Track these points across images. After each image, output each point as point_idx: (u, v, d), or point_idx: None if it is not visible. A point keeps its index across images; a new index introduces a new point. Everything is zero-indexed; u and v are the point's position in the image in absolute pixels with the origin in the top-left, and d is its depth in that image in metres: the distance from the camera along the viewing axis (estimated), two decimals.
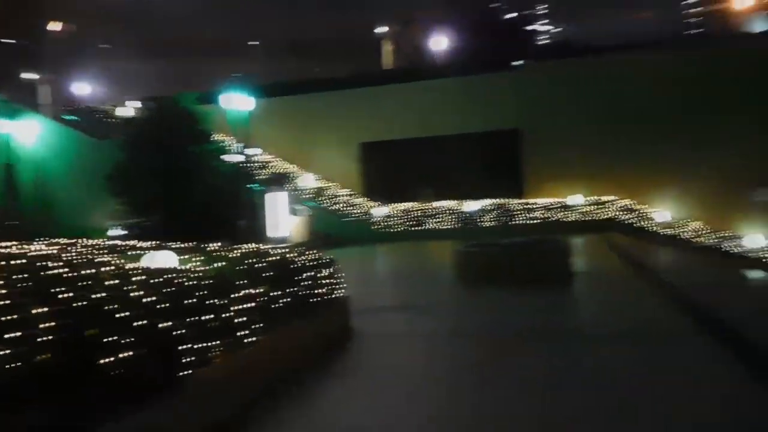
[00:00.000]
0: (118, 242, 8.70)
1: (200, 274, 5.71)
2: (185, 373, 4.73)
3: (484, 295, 11.68)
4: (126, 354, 4.16)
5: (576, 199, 24.73)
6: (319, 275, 7.73)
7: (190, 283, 5.37)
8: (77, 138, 29.62)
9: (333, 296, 8.07)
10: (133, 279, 5.12)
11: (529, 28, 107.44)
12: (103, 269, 5.27)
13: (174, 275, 5.44)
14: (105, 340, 4.11)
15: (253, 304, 5.89)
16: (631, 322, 9.20)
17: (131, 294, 4.79)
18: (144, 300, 4.80)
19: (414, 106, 27.58)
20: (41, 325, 3.84)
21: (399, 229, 25.64)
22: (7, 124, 29.17)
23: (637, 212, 24.21)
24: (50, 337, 3.80)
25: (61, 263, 5.21)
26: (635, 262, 16.00)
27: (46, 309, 3.99)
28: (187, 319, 4.95)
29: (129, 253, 7.27)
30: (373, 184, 27.77)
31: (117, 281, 4.99)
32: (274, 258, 7.13)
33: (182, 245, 7.64)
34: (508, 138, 26.30)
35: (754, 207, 23.11)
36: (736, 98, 23.60)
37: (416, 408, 5.86)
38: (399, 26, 57.95)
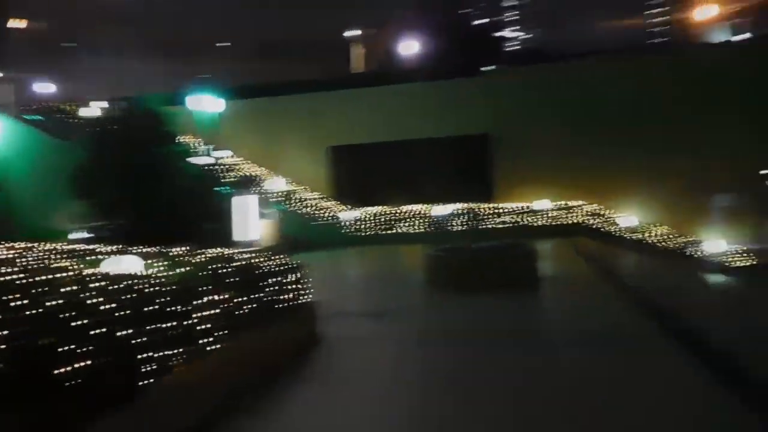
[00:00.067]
0: (79, 246, 8.47)
1: (163, 280, 5.56)
2: (146, 382, 4.60)
3: (454, 300, 11.67)
4: (83, 364, 4.02)
5: (544, 203, 24.98)
6: (286, 280, 7.63)
7: (152, 289, 5.22)
8: (40, 138, 28.88)
9: (300, 301, 7.96)
10: (92, 285, 4.95)
11: (499, 34, 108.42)
12: (60, 275, 5.10)
13: (135, 281, 5.29)
14: (60, 349, 3.96)
15: (218, 311, 5.76)
16: (598, 326, 9.28)
17: (89, 301, 4.64)
18: (103, 307, 4.65)
19: (384, 110, 27.58)
20: None
21: (369, 233, 25.56)
22: None
23: (603, 217, 24.55)
24: (1, 347, 3.64)
25: (16, 269, 5.03)
26: (602, 267, 16.20)
27: None
28: (149, 327, 4.82)
29: (90, 257, 7.07)
30: (343, 188, 27.68)
31: (75, 288, 4.82)
32: (240, 263, 7.00)
33: (145, 249, 7.46)
34: (478, 143, 26.47)
35: (716, 212, 23.64)
36: (700, 106, 24.13)
37: (383, 414, 5.80)
38: (369, 30, 57.98)
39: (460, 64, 30.81)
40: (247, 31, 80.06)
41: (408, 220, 25.61)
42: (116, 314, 4.63)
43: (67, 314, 4.24)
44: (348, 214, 25.98)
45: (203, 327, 5.45)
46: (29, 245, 7.40)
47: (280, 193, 26.00)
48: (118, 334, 4.49)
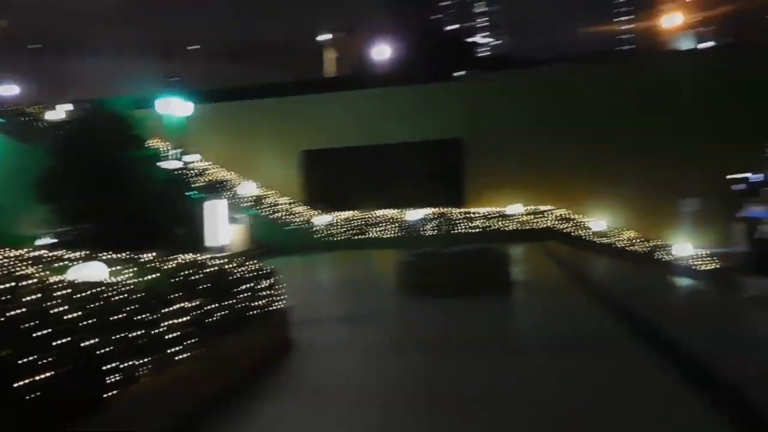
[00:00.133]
0: (44, 252, 8.23)
1: (130, 287, 5.41)
2: (111, 393, 4.46)
3: (426, 305, 11.65)
4: (45, 375, 3.87)
5: (515, 208, 25.18)
6: (258, 286, 7.51)
7: (119, 297, 5.07)
8: (3, 142, 28.17)
9: (273, 308, 7.85)
10: (56, 293, 4.79)
11: (470, 40, 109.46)
12: (23, 283, 4.92)
13: (101, 289, 5.13)
14: (21, 360, 3.81)
15: (187, 318, 5.63)
16: (570, 330, 9.33)
17: (53, 310, 4.48)
18: (67, 316, 4.50)
19: (356, 115, 27.55)
20: None
21: (341, 238, 25.48)
22: None
23: (573, 221, 24.83)
24: None
25: None
26: (573, 271, 16.36)
27: None
28: (115, 336, 4.68)
29: (55, 264, 6.87)
30: (315, 192, 27.54)
31: (38, 296, 4.66)
32: (210, 269, 6.86)
33: (113, 256, 7.27)
34: (450, 147, 26.57)
35: (683, 216, 24.07)
36: (666, 111, 24.59)
37: (355, 426, 5.72)
38: (341, 34, 57.94)
39: (432, 69, 30.95)
40: (218, 34, 79.46)
41: (381, 224, 25.59)
42: (81, 323, 4.48)
43: (29, 324, 4.09)
44: (320, 219, 25.85)
45: (172, 335, 5.32)
46: None
47: (251, 198, 25.76)
48: (83, 344, 4.34)
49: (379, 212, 25.82)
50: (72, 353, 4.20)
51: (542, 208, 25.18)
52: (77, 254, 7.54)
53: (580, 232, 24.52)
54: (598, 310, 10.81)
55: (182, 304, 5.70)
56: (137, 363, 4.86)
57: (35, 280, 5.14)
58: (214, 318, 6.21)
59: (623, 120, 25.03)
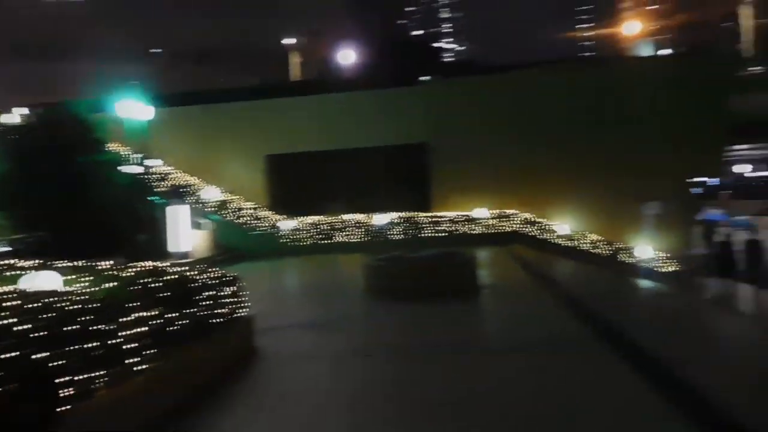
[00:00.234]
0: None
1: (86, 296, 5.20)
2: (64, 408, 4.26)
3: (393, 310, 11.58)
4: None
5: (481, 212, 25.30)
6: (220, 294, 7.32)
7: (73, 307, 4.87)
8: None
9: (236, 315, 7.67)
10: (5, 304, 4.57)
11: (436, 45, 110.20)
12: None
13: (54, 299, 4.92)
14: None
15: (146, 328, 5.44)
16: (536, 333, 9.36)
17: (1, 322, 4.27)
18: (17, 328, 4.29)
19: (321, 119, 27.37)
20: None
21: (307, 243, 25.25)
22: None
23: (538, 225, 25.06)
24: None
25: None
26: (538, 274, 16.48)
27: None
28: (68, 348, 4.48)
29: (6, 273, 6.60)
30: (280, 197, 27.25)
31: None
32: (171, 276, 6.67)
33: (68, 264, 7.01)
34: (417, 152, 26.58)
35: (645, 220, 24.51)
36: (628, 116, 25.02)
37: None
38: (306, 38, 57.70)
39: (397, 73, 30.97)
40: (182, 38, 78.40)
41: (347, 229, 25.45)
42: (31, 335, 4.27)
43: None
44: (286, 224, 25.58)
45: (130, 346, 5.12)
46: None
47: (215, 203, 25.35)
48: (34, 357, 4.14)
49: (346, 217, 25.69)
50: (22, 367, 4.00)
51: (508, 211, 25.35)
52: (30, 263, 7.25)
53: (545, 235, 24.75)
54: (564, 312, 10.88)
55: (141, 314, 5.51)
56: (93, 376, 4.66)
57: None
58: (175, 327, 6.02)
59: (586, 124, 25.38)
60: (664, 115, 24.77)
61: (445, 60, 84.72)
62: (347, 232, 25.38)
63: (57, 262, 7.33)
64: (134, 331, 5.25)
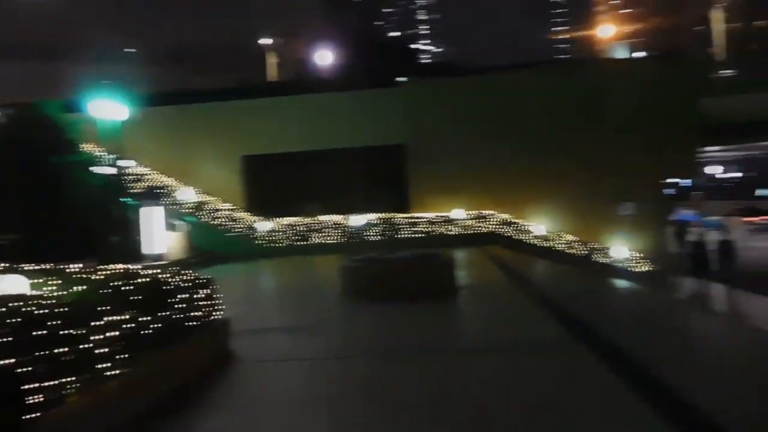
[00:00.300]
0: None
1: (54, 300, 5.07)
2: (33, 415, 4.14)
3: (371, 312, 11.53)
4: None
5: (458, 213, 25.37)
6: (194, 297, 7.21)
7: (41, 311, 4.74)
8: None
9: (210, 319, 7.56)
10: None
11: (413, 46, 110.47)
12: None
13: (21, 303, 4.78)
14: None
15: (118, 332, 5.32)
16: (513, 333, 9.38)
17: None
18: None
19: (299, 120, 27.22)
20: None
21: (284, 244, 25.08)
22: None
23: (515, 225, 25.20)
24: None
25: None
26: (515, 274, 16.56)
27: None
28: (36, 354, 4.35)
29: None
30: (256, 199, 27.03)
31: None
32: (143, 279, 6.54)
33: (36, 267, 6.84)
34: (394, 153, 26.56)
35: (619, 220, 24.80)
36: (604, 118, 25.30)
37: None
38: (282, 39, 57.35)
39: (375, 74, 30.93)
40: (158, 38, 77.50)
41: (324, 230, 25.33)
42: None
43: None
44: (263, 225, 25.38)
45: (101, 351, 5.01)
46: None
47: (190, 204, 25.05)
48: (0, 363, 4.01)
49: (323, 218, 25.57)
50: None
51: (485, 212, 25.45)
52: None
53: (521, 235, 24.90)
54: (541, 312, 10.93)
55: (112, 317, 5.39)
56: (63, 382, 4.54)
57: None
58: (148, 331, 5.91)
59: (562, 126, 25.62)
60: (638, 117, 25.10)
61: (422, 62, 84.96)
62: (324, 234, 25.27)
63: (24, 265, 7.15)
64: (105, 335, 5.13)
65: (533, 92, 26.03)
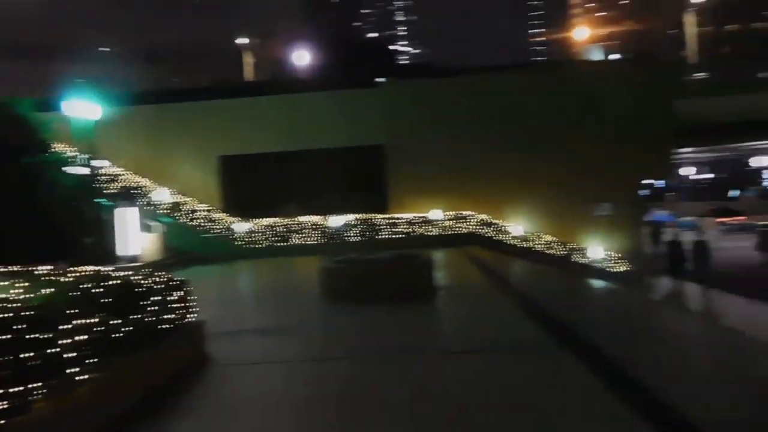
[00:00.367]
0: None
1: (21, 303, 4.89)
2: None
3: (350, 313, 11.43)
4: None
5: (438, 213, 25.36)
6: (168, 299, 7.04)
7: (7, 315, 4.56)
8: None
9: (185, 321, 7.40)
10: None
11: (391, 48, 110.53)
12: None
13: None
14: None
15: (88, 336, 5.16)
16: (493, 334, 9.34)
17: None
18: None
19: (276, 120, 27.00)
20: None
21: (263, 245, 24.84)
22: None
23: (494, 226, 25.26)
24: None
25: None
26: (494, 275, 16.57)
27: None
28: (1, 359, 4.18)
29: None
30: (234, 199, 26.72)
31: None
32: (115, 281, 6.37)
33: (4, 269, 6.63)
34: (373, 153, 26.46)
35: (596, 221, 25.01)
36: (581, 120, 25.50)
37: None
38: (258, 39, 56.97)
39: (353, 75, 30.81)
40: (133, 36, 76.55)
41: (303, 231, 25.15)
42: None
43: None
44: (241, 226, 25.12)
45: (68, 356, 4.84)
46: None
47: (166, 205, 24.69)
48: None
49: (302, 219, 25.39)
50: None
51: (464, 213, 25.47)
52: None
53: (500, 236, 24.97)
54: (520, 313, 10.93)
55: (82, 321, 5.22)
56: (29, 388, 4.37)
57: None
58: (120, 334, 5.74)
59: (539, 127, 25.75)
60: (613, 118, 25.31)
61: (400, 62, 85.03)
62: (303, 234, 25.09)
63: None
64: (74, 339, 4.96)
65: (511, 93, 26.12)
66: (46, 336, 4.68)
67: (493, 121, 25.90)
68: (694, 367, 7.35)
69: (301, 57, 47.52)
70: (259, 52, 54.53)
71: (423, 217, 25.34)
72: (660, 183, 62.31)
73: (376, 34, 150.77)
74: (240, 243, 24.85)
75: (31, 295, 5.24)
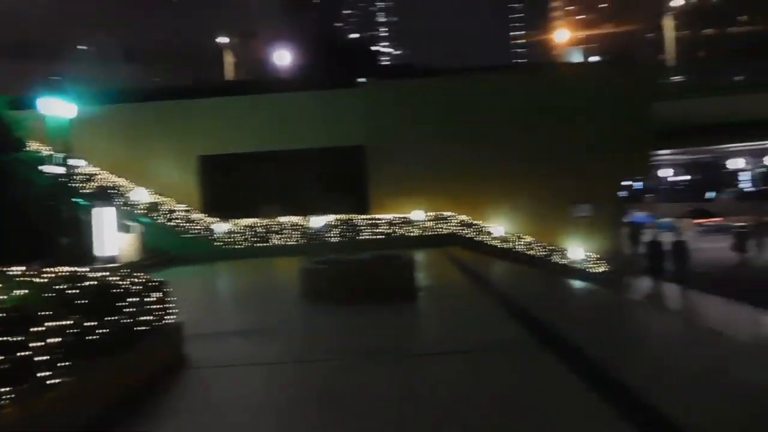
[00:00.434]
0: None
1: None
2: None
3: (331, 314, 11.34)
4: None
5: (418, 214, 25.34)
6: (146, 300, 6.90)
7: None
8: None
9: (163, 323, 7.26)
10: None
11: (373, 48, 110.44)
12: None
13: None
14: None
15: (62, 339, 5.01)
16: (475, 335, 9.31)
17: None
18: None
19: (257, 120, 26.81)
20: None
21: (243, 246, 24.63)
22: None
23: (474, 227, 25.30)
24: None
25: None
26: (475, 275, 16.58)
27: None
28: None
29: None
30: (214, 199, 26.47)
31: None
32: (91, 282, 6.22)
33: None
34: (354, 154, 26.38)
35: (576, 222, 25.19)
36: (560, 121, 25.64)
37: None
38: (239, 38, 56.57)
39: (335, 75, 30.67)
40: (112, 35, 75.63)
41: (283, 231, 24.98)
42: None
43: None
44: (220, 226, 24.87)
45: (42, 358, 4.70)
46: None
47: (145, 205, 24.36)
48: None
49: (282, 219, 25.21)
50: None
51: (445, 213, 25.48)
52: None
53: (481, 237, 25.02)
54: (502, 313, 10.92)
55: (56, 323, 5.07)
56: None
57: None
58: (95, 336, 5.60)
59: (520, 128, 25.87)
60: (593, 120, 25.52)
61: (381, 63, 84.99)
62: (284, 235, 24.92)
63: None
64: (48, 341, 4.82)
65: (492, 94, 26.22)
66: (17, 339, 4.53)
67: (474, 122, 25.97)
68: (675, 367, 7.37)
69: (282, 57, 47.27)
70: (239, 52, 54.15)
71: (404, 217, 25.31)
72: (638, 184, 63.07)
73: (357, 35, 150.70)
74: (220, 243, 24.61)
75: (4, 297, 5.08)
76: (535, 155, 25.29)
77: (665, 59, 59.03)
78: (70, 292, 5.69)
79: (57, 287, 5.66)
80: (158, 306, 7.19)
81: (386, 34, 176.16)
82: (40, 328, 4.84)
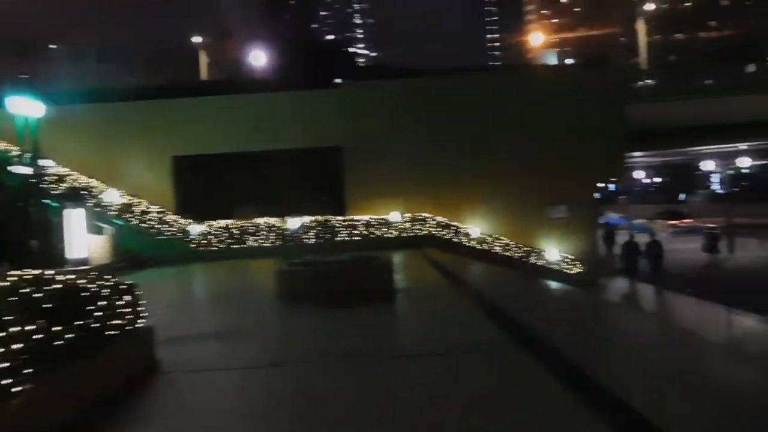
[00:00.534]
0: None
1: None
2: None
3: (308, 316, 11.20)
4: None
5: (396, 215, 25.28)
6: (116, 303, 6.71)
7: None
8: None
9: (134, 327, 7.07)
10: None
11: (350, 50, 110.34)
12: None
13: None
14: None
15: (25, 344, 4.83)
16: (452, 336, 9.25)
17: None
18: None
19: (232, 120, 26.52)
20: None
21: (218, 248, 24.32)
22: None
23: (452, 228, 25.32)
24: None
25: None
26: (452, 277, 16.55)
27: None
28: None
29: None
30: (189, 200, 26.10)
31: None
32: (58, 285, 6.02)
33: None
34: (331, 154, 26.23)
35: (551, 223, 25.35)
36: (536, 123, 25.81)
37: None
38: (213, 38, 56.05)
39: (311, 76, 30.48)
40: (88, 34, 74.48)
41: (259, 233, 24.72)
42: None
43: None
44: (195, 228, 24.52)
45: (4, 365, 4.51)
46: None
47: (117, 206, 23.93)
48: None
49: (258, 220, 24.96)
50: None
51: (422, 215, 25.45)
52: None
53: (458, 238, 25.04)
54: (479, 315, 10.89)
55: (19, 328, 4.88)
56: None
57: None
58: (62, 341, 5.41)
59: (497, 130, 25.96)
60: (568, 122, 25.73)
61: (358, 64, 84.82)
62: (260, 236, 24.66)
63: None
64: (9, 348, 4.63)
65: (469, 96, 26.27)
66: None
67: (451, 123, 26.01)
68: (650, 368, 7.39)
69: (258, 57, 46.88)
70: (215, 52, 53.65)
71: (381, 219, 25.22)
72: (612, 186, 63.80)
73: (333, 37, 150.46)
74: (194, 245, 24.27)
75: None
76: (512, 157, 25.40)
77: (638, 63, 59.86)
78: (36, 295, 5.50)
79: (22, 291, 5.46)
80: (129, 309, 7.00)
81: (362, 36, 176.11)
82: (1, 334, 4.65)
